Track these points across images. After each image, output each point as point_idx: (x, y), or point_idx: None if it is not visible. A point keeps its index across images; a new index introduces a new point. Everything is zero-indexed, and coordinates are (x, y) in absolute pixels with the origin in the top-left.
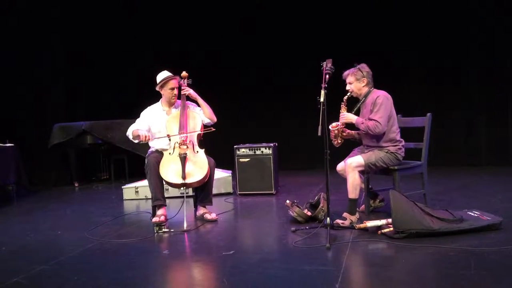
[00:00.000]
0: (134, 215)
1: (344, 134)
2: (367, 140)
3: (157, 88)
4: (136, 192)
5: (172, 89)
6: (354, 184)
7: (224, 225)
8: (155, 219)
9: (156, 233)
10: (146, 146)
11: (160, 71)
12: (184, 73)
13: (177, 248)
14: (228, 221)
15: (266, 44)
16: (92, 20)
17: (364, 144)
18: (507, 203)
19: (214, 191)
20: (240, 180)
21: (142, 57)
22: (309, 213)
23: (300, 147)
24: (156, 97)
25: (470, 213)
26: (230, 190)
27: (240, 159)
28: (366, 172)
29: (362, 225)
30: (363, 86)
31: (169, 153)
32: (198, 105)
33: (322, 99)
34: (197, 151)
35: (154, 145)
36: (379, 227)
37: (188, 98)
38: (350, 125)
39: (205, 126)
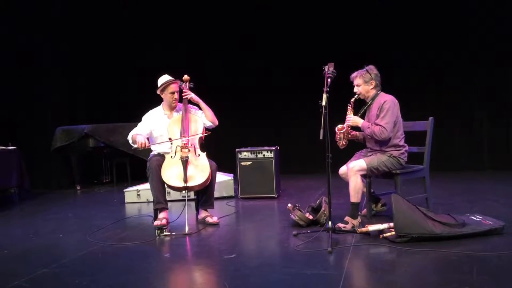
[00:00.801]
0: (135, 218)
1: (349, 136)
2: (371, 144)
3: (158, 92)
4: (138, 195)
5: (173, 93)
6: (356, 188)
7: (226, 228)
8: (156, 222)
9: (158, 237)
10: (148, 149)
11: (162, 75)
12: (185, 77)
13: (178, 251)
14: (229, 224)
15: (268, 48)
16: (95, 22)
17: (367, 147)
18: (509, 208)
19: (216, 194)
20: (242, 183)
21: (144, 60)
22: (310, 217)
23: (302, 151)
24: (158, 100)
25: (472, 217)
26: (232, 193)
27: (242, 163)
28: (368, 176)
29: (364, 229)
30: (371, 89)
31: (171, 157)
32: (200, 108)
33: (324, 103)
34: (199, 155)
35: (156, 148)
36: (381, 231)
37: (190, 101)
38: (355, 128)
39: (206, 130)
